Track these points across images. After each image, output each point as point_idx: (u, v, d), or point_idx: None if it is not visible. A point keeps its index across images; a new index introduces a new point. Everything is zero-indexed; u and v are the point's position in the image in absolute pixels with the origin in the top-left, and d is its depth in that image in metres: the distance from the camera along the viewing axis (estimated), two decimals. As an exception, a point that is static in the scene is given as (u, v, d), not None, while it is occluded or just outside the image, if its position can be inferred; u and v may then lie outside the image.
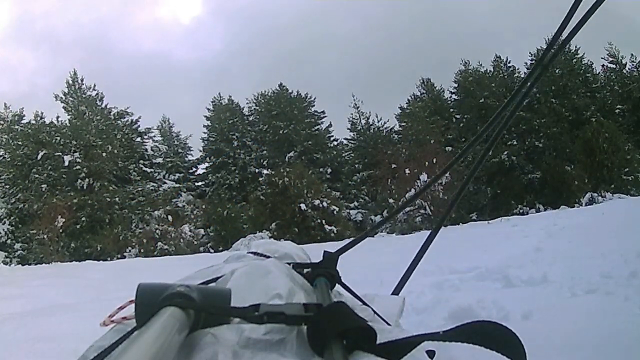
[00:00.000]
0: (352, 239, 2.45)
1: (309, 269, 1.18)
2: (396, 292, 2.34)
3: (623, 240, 4.83)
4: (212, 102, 48.17)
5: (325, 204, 26.05)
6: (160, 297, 0.78)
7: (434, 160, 23.45)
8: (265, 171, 33.84)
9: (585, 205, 22.42)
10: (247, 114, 48.67)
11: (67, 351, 3.31)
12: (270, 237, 23.74)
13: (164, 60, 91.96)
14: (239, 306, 0.82)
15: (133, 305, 0.83)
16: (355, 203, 39.81)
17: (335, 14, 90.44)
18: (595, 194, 25.08)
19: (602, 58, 43.81)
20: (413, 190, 22.30)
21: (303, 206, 25.29)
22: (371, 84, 65.94)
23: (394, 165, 24.93)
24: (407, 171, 23.70)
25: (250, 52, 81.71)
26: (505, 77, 42.25)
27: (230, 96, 48.51)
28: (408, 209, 22.92)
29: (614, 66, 43.47)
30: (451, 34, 69.33)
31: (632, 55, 43.42)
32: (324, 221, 25.67)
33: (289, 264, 1.23)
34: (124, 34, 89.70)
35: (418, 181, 22.44)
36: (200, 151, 47.06)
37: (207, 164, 46.14)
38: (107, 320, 0.96)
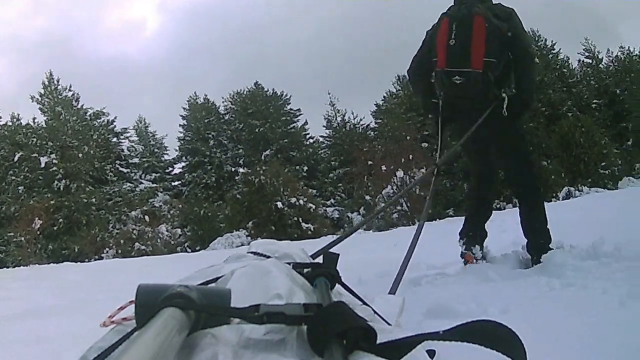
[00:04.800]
0: (334, 235, 2.46)
1: (309, 269, 1.18)
2: (392, 291, 2.36)
3: (601, 234, 4.85)
4: (187, 101, 48.24)
5: (301, 201, 26.08)
6: (160, 298, 0.78)
7: (410, 157, 23.46)
8: (241, 170, 33.49)
9: (563, 199, 22.43)
10: (223, 112, 48.66)
11: (62, 352, 3.29)
12: (247, 236, 23.70)
13: (135, 61, 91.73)
14: (239, 306, 0.82)
15: (133, 305, 0.83)
16: (332, 200, 39.76)
17: (309, 11, 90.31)
18: (572, 188, 25.16)
19: (578, 53, 44.37)
20: (389, 186, 22.43)
21: (279, 204, 25.25)
22: (347, 81, 66.17)
23: (370, 162, 24.85)
24: (384, 168, 23.58)
25: (224, 51, 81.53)
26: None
27: (206, 95, 48.68)
28: (385, 205, 22.90)
29: (590, 61, 43.98)
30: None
31: (608, 50, 44.23)
32: (300, 219, 25.65)
33: (289, 264, 1.23)
34: (94, 37, 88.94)
35: (394, 177, 22.46)
36: (177, 151, 47.12)
37: (183, 164, 46.17)
38: (107, 321, 0.96)
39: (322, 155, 45.71)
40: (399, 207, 22.34)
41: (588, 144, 27.87)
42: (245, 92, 47.99)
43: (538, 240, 4.54)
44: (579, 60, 44.06)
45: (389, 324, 1.04)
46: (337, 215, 35.08)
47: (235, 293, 0.87)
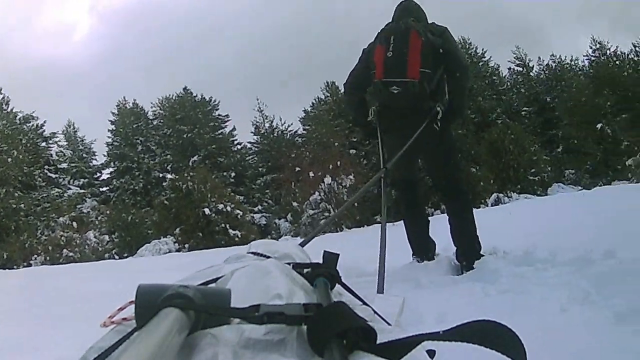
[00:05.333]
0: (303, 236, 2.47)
1: (309, 269, 1.18)
2: (380, 291, 2.38)
3: (533, 240, 4.97)
4: (117, 105, 47.91)
5: (229, 208, 25.93)
6: (160, 298, 0.77)
7: (338, 163, 23.31)
8: (169, 176, 33.26)
9: (492, 205, 22.62)
10: (151, 118, 48.48)
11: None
12: (174, 243, 23.57)
13: (66, 64, 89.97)
14: (239, 307, 0.82)
15: (133, 306, 0.82)
16: (259, 207, 39.84)
17: (239, 18, 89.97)
18: (502, 195, 25.38)
19: (509, 61, 45.10)
20: (317, 193, 22.41)
21: (207, 210, 25.10)
22: (275, 87, 66.23)
23: (297, 169, 24.60)
24: (312, 174, 23.41)
25: (153, 56, 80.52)
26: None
27: (135, 100, 48.49)
28: (312, 212, 23.05)
29: (520, 69, 44.75)
30: (355, 35, 69.63)
31: (539, 58, 45.13)
32: (227, 225, 25.53)
33: (289, 264, 1.23)
34: (25, 39, 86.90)
35: (322, 184, 22.39)
36: (105, 156, 46.67)
37: (111, 169, 45.82)
38: (107, 322, 0.95)
39: (250, 162, 45.86)
40: (326, 214, 22.26)
41: (517, 151, 28.18)
42: (174, 98, 47.88)
43: (468, 246, 4.66)
44: (510, 68, 44.98)
45: (389, 324, 1.05)
46: (265, 222, 35.09)
47: (235, 293, 0.87)
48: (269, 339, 0.76)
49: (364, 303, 1.14)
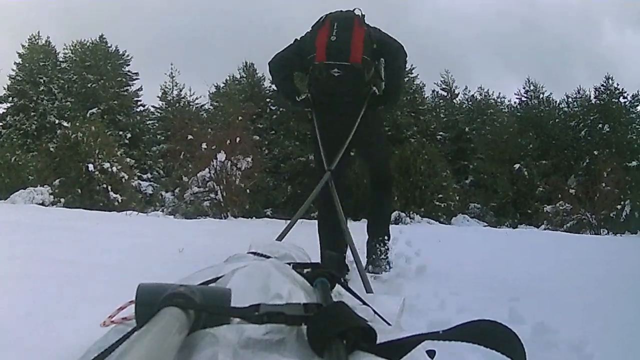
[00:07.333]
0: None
1: (309, 269, 1.18)
2: (369, 291, 2.38)
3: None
4: (29, 39, 44.63)
5: (115, 169, 24.13)
6: (160, 298, 0.78)
7: (237, 139, 21.60)
8: (65, 123, 30.68)
9: (392, 223, 21.62)
10: (61, 60, 45.21)
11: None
12: (50, 194, 22.08)
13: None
14: (239, 306, 0.82)
15: (133, 305, 0.83)
16: (149, 175, 38.37)
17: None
18: (404, 214, 24.55)
19: (434, 83, 44.60)
20: (207, 169, 20.84)
21: (91, 167, 23.31)
22: (193, 56, 62.72)
23: (197, 143, 22.25)
24: (204, 146, 21.65)
25: None
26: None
27: (48, 37, 45.26)
28: (196, 190, 21.69)
29: (445, 94, 44.38)
30: (283, 20, 67.63)
31: (466, 87, 44.85)
32: (109, 187, 23.81)
33: (289, 264, 1.23)
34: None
35: (215, 161, 20.52)
36: (5, 89, 42.64)
37: (8, 104, 42.18)
38: (107, 321, 0.95)
39: (150, 126, 43.70)
40: (212, 195, 21.11)
41: (428, 173, 27.15)
42: (88, 44, 45.27)
43: (384, 236, 4.66)
44: (434, 91, 44.20)
45: (389, 324, 1.05)
46: (151, 192, 33.52)
47: (236, 293, 0.87)
48: (269, 339, 0.77)
49: (364, 303, 1.14)
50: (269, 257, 1.38)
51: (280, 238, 2.85)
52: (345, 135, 4.31)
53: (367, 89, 4.48)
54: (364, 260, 4.15)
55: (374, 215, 4.84)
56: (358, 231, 4.53)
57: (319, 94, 4.56)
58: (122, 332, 0.82)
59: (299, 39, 4.74)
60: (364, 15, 4.64)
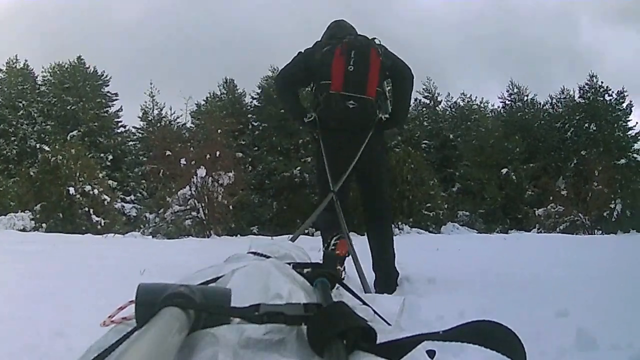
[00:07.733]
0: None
1: (309, 269, 1.18)
2: (367, 291, 2.39)
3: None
4: (6, 62, 44.29)
5: (96, 191, 23.87)
6: (160, 297, 0.78)
7: (217, 154, 21.20)
8: (46, 147, 30.46)
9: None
10: (40, 83, 44.81)
11: None
12: (31, 220, 21.88)
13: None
14: (239, 306, 0.82)
15: (133, 305, 0.83)
16: (132, 197, 38.27)
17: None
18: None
19: (417, 92, 43.63)
20: (188, 187, 20.32)
21: (72, 190, 23.02)
22: (173, 74, 62.22)
23: (176, 160, 21.55)
24: (183, 162, 21.08)
25: (52, 17, 74.67)
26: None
27: (26, 61, 45.11)
28: (177, 208, 21.30)
29: (428, 101, 44.02)
30: (261, 35, 68.21)
31: (448, 94, 44.45)
32: (92, 210, 23.51)
33: (289, 264, 1.23)
34: None
35: (195, 177, 19.90)
36: None
37: None
38: (107, 321, 0.95)
39: (131, 147, 43.51)
40: (194, 213, 20.57)
41: (415, 182, 26.74)
42: (66, 66, 44.80)
43: (391, 270, 4.52)
44: (416, 99, 43.27)
45: (389, 324, 1.05)
46: (135, 214, 33.20)
47: (236, 293, 0.87)
48: (269, 339, 0.77)
49: (364, 303, 1.15)
50: (269, 257, 1.38)
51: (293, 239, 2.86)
52: (351, 159, 4.32)
53: (375, 115, 4.47)
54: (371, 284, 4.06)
55: (380, 255, 4.56)
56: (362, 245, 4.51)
57: (329, 119, 4.52)
58: (122, 332, 0.81)
59: (303, 51, 4.71)
60: (383, 46, 4.60)
